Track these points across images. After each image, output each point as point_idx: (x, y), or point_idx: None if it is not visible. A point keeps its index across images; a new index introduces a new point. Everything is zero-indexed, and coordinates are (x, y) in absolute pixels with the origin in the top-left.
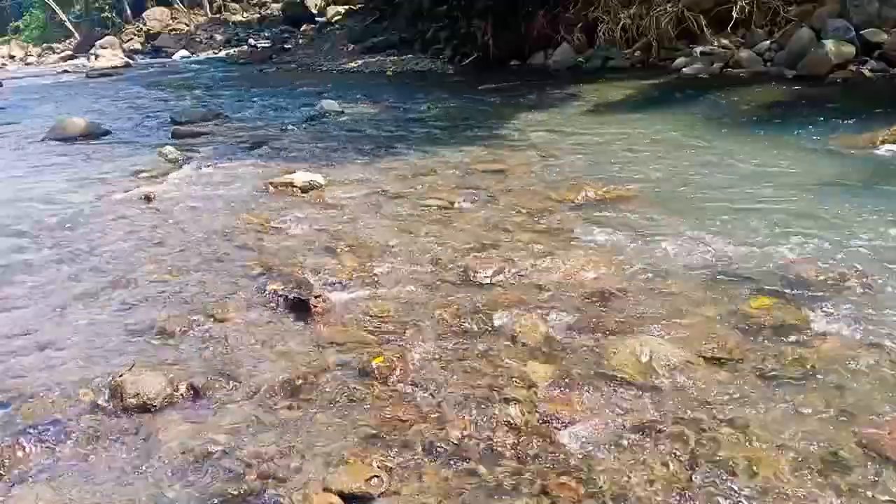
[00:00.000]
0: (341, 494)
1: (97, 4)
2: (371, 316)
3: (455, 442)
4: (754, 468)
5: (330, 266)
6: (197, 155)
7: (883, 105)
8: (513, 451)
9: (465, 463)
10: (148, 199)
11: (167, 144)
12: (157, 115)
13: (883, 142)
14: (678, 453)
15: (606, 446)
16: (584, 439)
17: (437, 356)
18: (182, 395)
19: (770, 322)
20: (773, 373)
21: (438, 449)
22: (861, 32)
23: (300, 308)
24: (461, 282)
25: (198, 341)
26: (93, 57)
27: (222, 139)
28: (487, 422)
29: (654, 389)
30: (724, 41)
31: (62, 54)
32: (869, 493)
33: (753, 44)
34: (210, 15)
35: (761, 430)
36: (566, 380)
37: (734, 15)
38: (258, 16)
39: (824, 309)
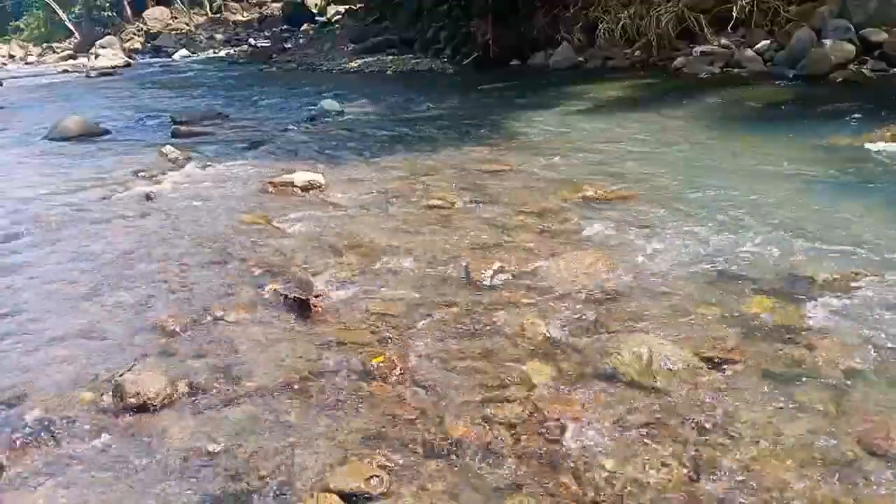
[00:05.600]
0: (341, 494)
1: (97, 4)
2: (371, 316)
3: (455, 442)
4: (754, 468)
5: (330, 265)
6: (197, 154)
7: (883, 105)
8: (513, 450)
9: (465, 463)
10: (148, 198)
11: (167, 144)
12: (157, 115)
13: (883, 141)
14: (678, 453)
15: (606, 446)
16: (584, 439)
17: (437, 356)
18: (182, 394)
19: (770, 322)
20: (774, 373)
21: (438, 449)
22: (861, 32)
23: (300, 307)
24: (461, 281)
25: (198, 340)
26: (93, 56)
27: (222, 139)
28: (487, 421)
29: (654, 389)
30: (725, 41)
31: (62, 54)
32: (870, 493)
33: (753, 43)
34: (210, 15)
35: (761, 429)
36: (566, 379)
37: (734, 14)
38: (258, 16)
39: (824, 309)
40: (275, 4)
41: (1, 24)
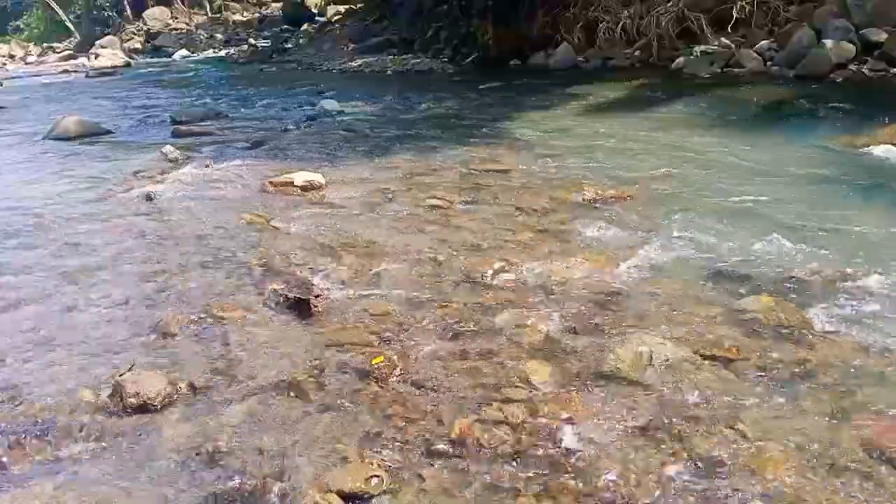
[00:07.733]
0: (341, 494)
1: (97, 4)
2: (371, 316)
3: (455, 442)
4: (754, 467)
5: (330, 266)
6: (197, 154)
7: (883, 105)
8: (513, 450)
9: (465, 463)
10: (148, 198)
11: (167, 144)
12: (157, 115)
13: (883, 141)
14: (678, 453)
15: (606, 446)
16: (584, 439)
17: (437, 356)
18: (182, 394)
19: (770, 321)
20: (774, 372)
21: (438, 449)
22: (861, 32)
23: (300, 308)
24: (461, 281)
25: (198, 341)
26: (93, 56)
27: (222, 139)
28: (487, 421)
29: (654, 389)
30: (725, 41)
31: (62, 54)
32: (869, 492)
33: (754, 43)
34: (210, 14)
35: (761, 429)
36: (566, 380)
37: (734, 14)
38: (258, 15)
39: (824, 308)
40: (275, 4)
41: (1, 24)
